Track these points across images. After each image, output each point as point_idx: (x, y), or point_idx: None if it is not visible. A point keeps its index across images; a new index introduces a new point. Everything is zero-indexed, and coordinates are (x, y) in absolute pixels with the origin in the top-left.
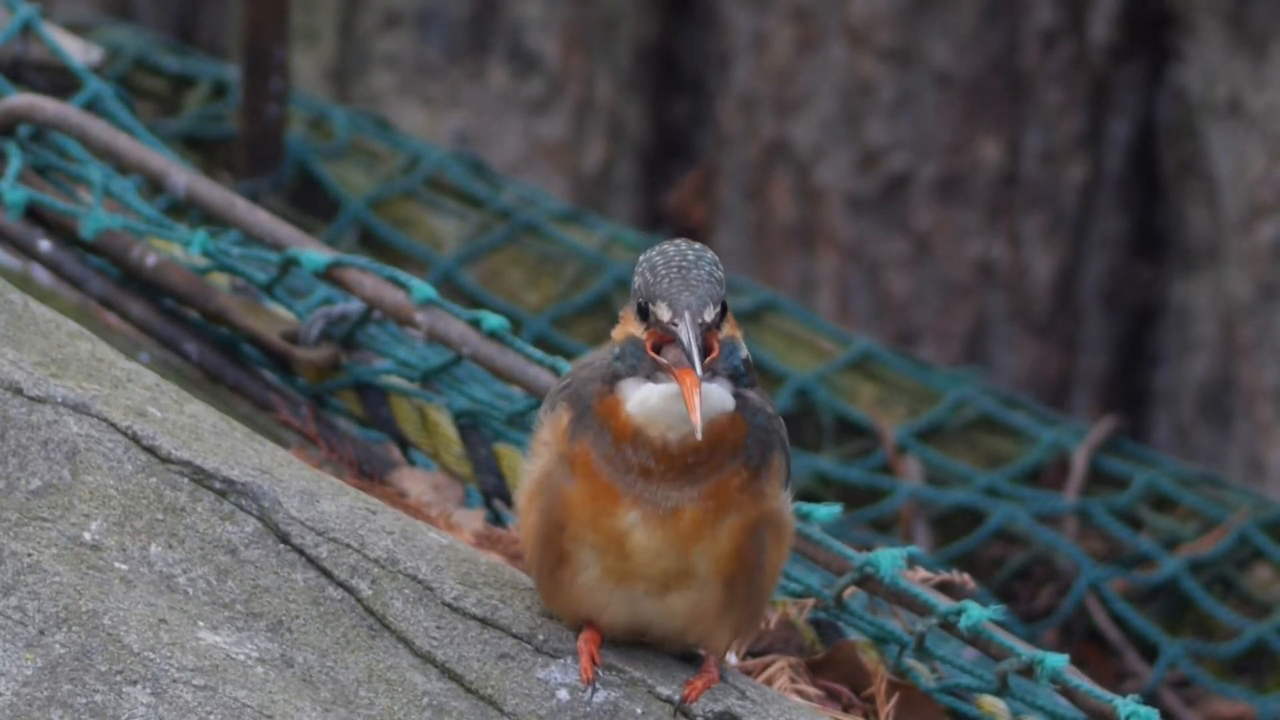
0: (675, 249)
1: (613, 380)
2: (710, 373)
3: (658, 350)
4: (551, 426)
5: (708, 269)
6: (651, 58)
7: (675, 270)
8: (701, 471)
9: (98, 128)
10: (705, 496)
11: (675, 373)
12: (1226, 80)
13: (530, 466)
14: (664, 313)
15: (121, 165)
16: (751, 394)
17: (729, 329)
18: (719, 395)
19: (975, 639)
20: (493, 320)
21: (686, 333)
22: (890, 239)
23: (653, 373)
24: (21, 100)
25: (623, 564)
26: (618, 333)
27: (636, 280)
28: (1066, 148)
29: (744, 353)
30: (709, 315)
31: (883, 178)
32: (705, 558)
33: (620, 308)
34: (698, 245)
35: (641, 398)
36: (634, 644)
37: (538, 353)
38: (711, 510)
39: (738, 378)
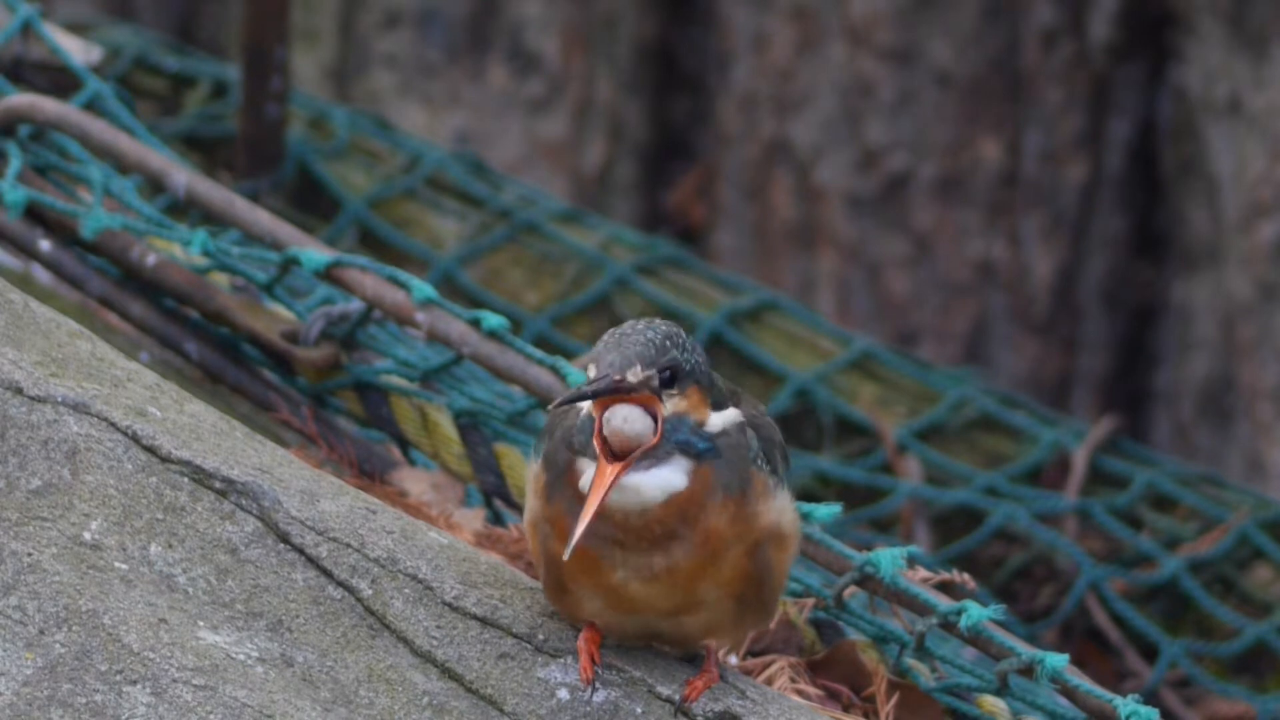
0: (636, 322)
1: (574, 452)
2: (649, 459)
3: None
4: (535, 478)
5: (650, 336)
6: (651, 58)
7: (616, 336)
8: (683, 531)
9: (98, 127)
10: (698, 546)
11: (600, 462)
12: (1226, 80)
13: (528, 500)
14: (590, 371)
15: (121, 165)
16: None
17: (685, 406)
18: (660, 479)
19: (975, 639)
20: (493, 320)
21: (590, 386)
22: (890, 239)
23: (593, 460)
24: (22, 100)
25: (625, 605)
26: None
27: None
28: (1066, 148)
29: (710, 428)
30: (632, 375)
31: (883, 178)
32: (711, 589)
33: (620, 307)
34: (665, 324)
35: (587, 480)
36: (640, 646)
37: (538, 352)
38: (708, 555)
39: (697, 455)
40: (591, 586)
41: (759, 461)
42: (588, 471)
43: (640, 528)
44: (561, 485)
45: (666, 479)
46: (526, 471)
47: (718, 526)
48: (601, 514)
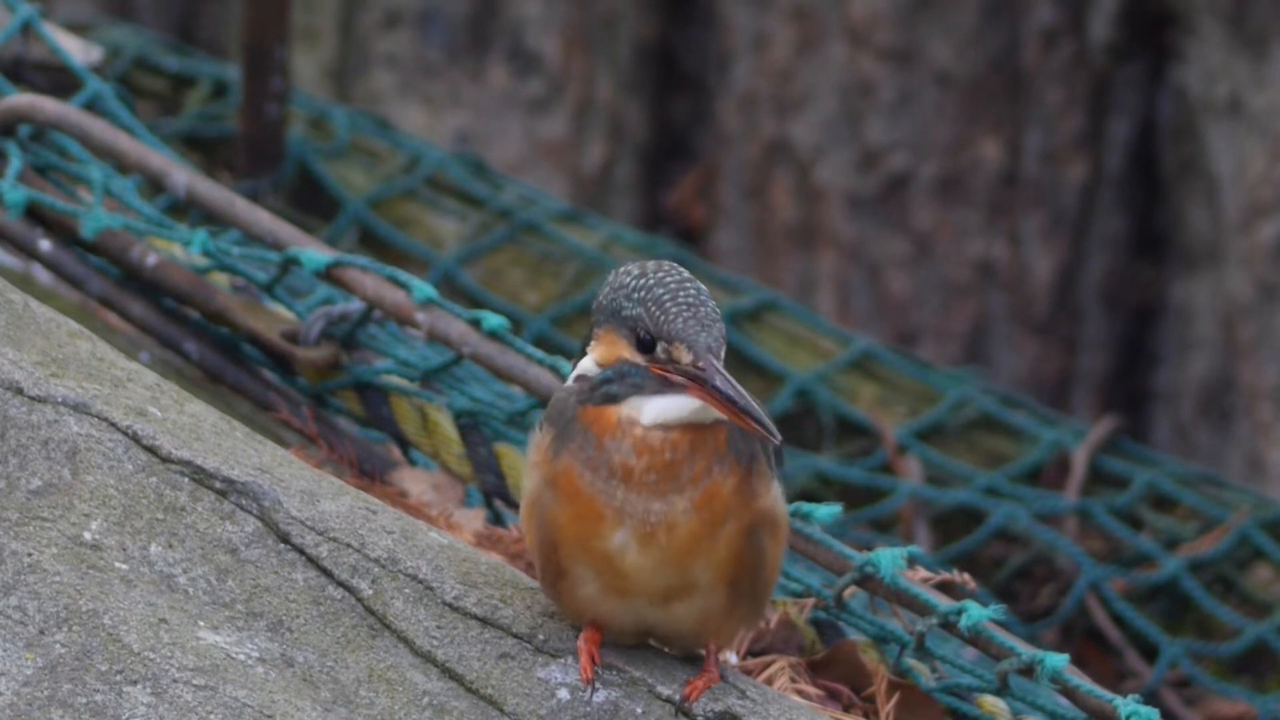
0: (669, 277)
1: (605, 401)
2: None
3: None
4: (536, 447)
5: (710, 300)
6: (651, 58)
7: (685, 307)
8: (686, 474)
9: (98, 127)
10: (698, 507)
11: (691, 389)
12: (1226, 80)
13: (525, 483)
14: (684, 355)
15: (122, 165)
16: None
17: None
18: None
19: (975, 639)
20: (493, 320)
21: (724, 380)
22: (890, 239)
23: (660, 390)
24: (22, 100)
25: (620, 582)
26: (601, 356)
27: (634, 310)
28: (1066, 148)
29: None
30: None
31: (883, 178)
32: (706, 570)
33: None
34: (682, 269)
35: (660, 409)
36: (637, 644)
37: (538, 352)
38: (707, 522)
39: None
40: (588, 560)
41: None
42: (651, 404)
43: (657, 448)
44: (572, 429)
45: (666, 407)
46: (527, 454)
47: (721, 487)
48: (623, 431)
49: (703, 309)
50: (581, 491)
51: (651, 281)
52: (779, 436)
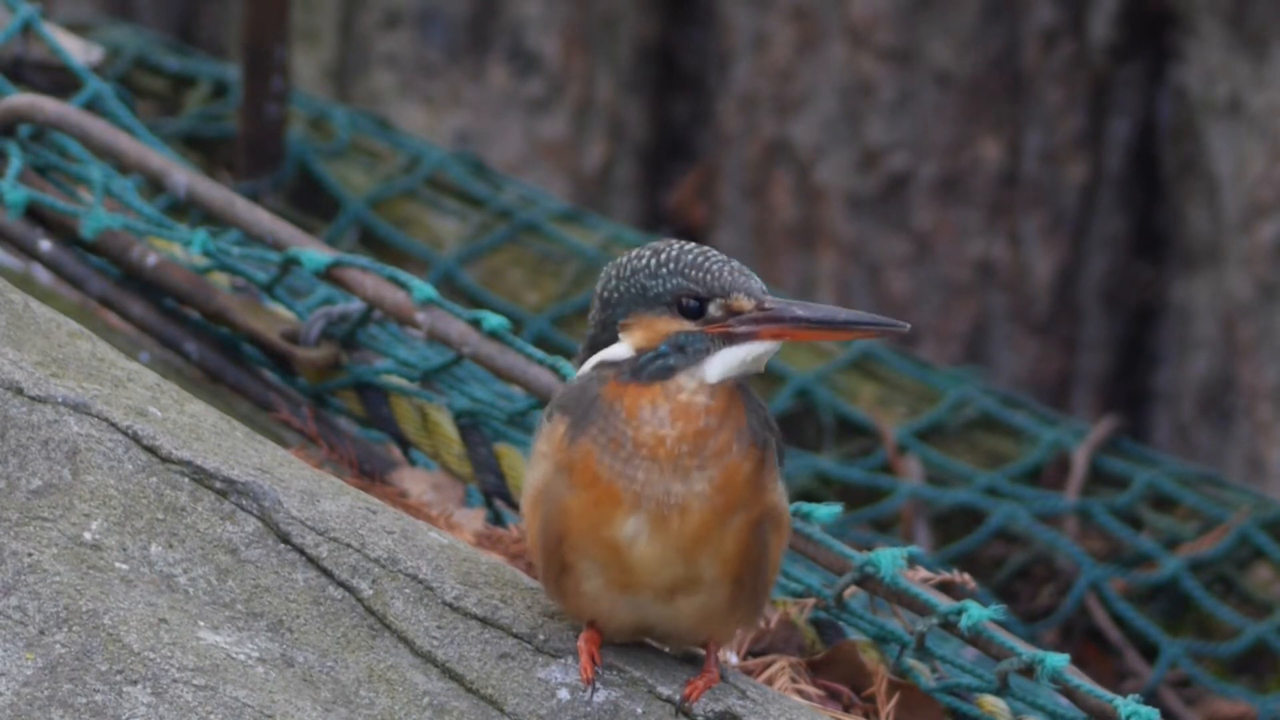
0: (686, 246)
1: (658, 376)
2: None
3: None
4: (547, 437)
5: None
6: (651, 58)
7: (722, 262)
8: (711, 446)
9: (98, 127)
10: (716, 489)
11: (763, 332)
12: (1226, 80)
13: (530, 476)
14: (746, 303)
15: (122, 165)
16: None
17: None
18: (729, 359)
19: (975, 639)
20: (493, 320)
21: (804, 306)
22: (890, 239)
23: (723, 347)
24: (22, 100)
25: (626, 575)
26: (641, 341)
27: (668, 283)
28: (1066, 148)
29: None
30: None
31: (883, 178)
32: (712, 562)
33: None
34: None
35: (724, 363)
36: (636, 644)
37: (538, 352)
38: (720, 508)
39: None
40: (596, 552)
41: (775, 436)
42: (711, 363)
43: (695, 413)
44: (595, 409)
45: (730, 360)
46: (533, 446)
47: (739, 470)
48: (665, 395)
49: (735, 262)
50: (599, 477)
51: (675, 252)
52: (906, 323)
